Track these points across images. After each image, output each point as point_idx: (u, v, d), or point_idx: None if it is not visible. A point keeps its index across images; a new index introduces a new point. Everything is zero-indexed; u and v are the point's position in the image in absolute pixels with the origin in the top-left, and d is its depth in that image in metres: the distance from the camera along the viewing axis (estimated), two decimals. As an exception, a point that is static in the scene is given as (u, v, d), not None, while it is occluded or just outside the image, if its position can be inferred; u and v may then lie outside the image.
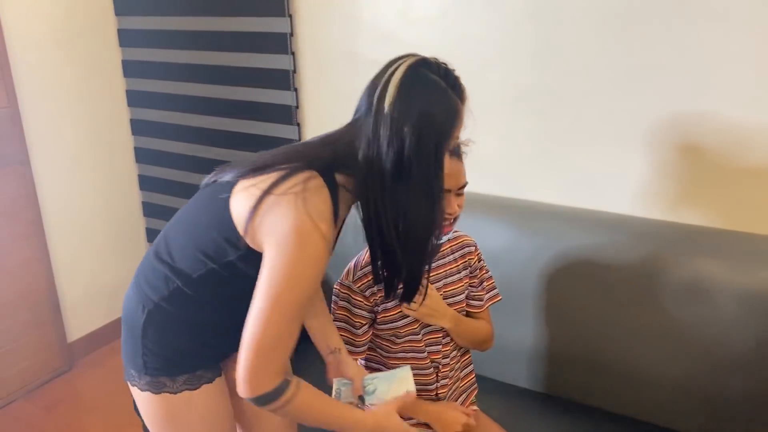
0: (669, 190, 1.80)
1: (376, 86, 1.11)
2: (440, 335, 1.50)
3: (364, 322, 1.46)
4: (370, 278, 1.44)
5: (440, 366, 1.51)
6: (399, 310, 1.46)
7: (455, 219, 1.39)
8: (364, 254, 1.48)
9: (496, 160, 1.99)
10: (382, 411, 1.28)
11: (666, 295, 1.63)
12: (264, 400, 1.10)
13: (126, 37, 2.77)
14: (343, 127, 1.18)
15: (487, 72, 1.97)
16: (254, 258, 1.11)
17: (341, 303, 1.47)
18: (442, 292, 1.48)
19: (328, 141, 1.18)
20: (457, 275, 1.52)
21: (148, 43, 2.71)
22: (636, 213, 1.84)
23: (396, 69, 1.10)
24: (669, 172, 1.79)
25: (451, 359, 1.53)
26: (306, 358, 1.61)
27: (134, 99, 2.86)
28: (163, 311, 1.21)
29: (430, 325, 1.49)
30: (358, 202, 1.16)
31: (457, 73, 1.15)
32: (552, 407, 1.77)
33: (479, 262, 1.55)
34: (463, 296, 1.53)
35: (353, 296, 1.45)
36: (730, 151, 1.70)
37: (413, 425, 1.51)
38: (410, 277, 1.22)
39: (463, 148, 1.43)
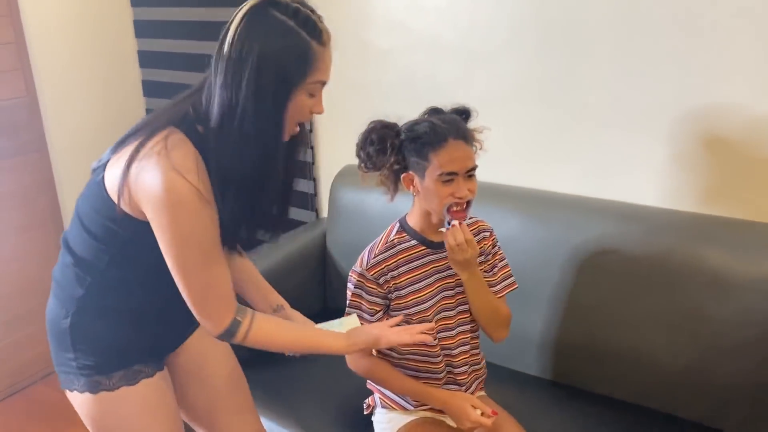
0: (678, 179, 1.80)
1: (223, 29, 1.08)
2: (453, 322, 1.52)
3: (378, 309, 1.48)
4: (383, 266, 1.46)
5: (452, 353, 1.52)
6: (413, 296, 1.47)
7: (468, 204, 1.39)
8: (378, 242, 1.50)
9: (505, 149, 2.00)
10: (360, 332, 1.32)
11: (674, 284, 1.63)
12: (226, 336, 1.18)
13: (141, 28, 2.81)
14: (201, 79, 1.15)
15: (496, 60, 1.98)
16: (142, 227, 1.11)
17: (355, 290, 1.48)
18: (454, 281, 1.49)
19: (187, 95, 1.17)
20: None
21: (163, 33, 2.74)
22: (645, 202, 1.85)
23: (239, 11, 1.07)
24: (678, 161, 1.79)
25: (466, 345, 1.54)
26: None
27: (149, 89, 2.90)
28: (85, 310, 1.21)
29: (443, 312, 1.50)
30: None
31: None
32: (560, 394, 1.79)
33: (493, 247, 1.55)
34: None
35: (366, 283, 1.46)
36: (741, 141, 1.69)
37: (426, 410, 1.54)
38: (263, 219, 1.20)
39: (477, 135, 1.44)
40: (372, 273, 1.46)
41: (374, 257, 1.47)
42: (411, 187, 1.43)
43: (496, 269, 1.55)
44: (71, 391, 1.25)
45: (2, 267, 2.48)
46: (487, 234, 1.54)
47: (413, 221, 1.49)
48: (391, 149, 1.40)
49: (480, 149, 1.45)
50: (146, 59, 2.85)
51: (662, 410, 1.69)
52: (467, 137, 1.38)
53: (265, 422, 1.70)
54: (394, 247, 1.47)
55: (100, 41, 2.72)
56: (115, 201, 1.12)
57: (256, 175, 1.11)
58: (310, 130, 2.40)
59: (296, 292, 1.64)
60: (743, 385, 1.57)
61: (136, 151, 1.09)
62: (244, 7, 1.07)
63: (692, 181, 1.79)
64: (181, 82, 2.76)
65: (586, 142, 1.90)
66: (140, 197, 1.09)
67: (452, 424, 1.50)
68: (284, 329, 1.27)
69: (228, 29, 1.07)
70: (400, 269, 1.46)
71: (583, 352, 1.77)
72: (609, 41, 1.78)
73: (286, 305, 1.44)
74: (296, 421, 1.70)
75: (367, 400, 1.65)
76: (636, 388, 1.72)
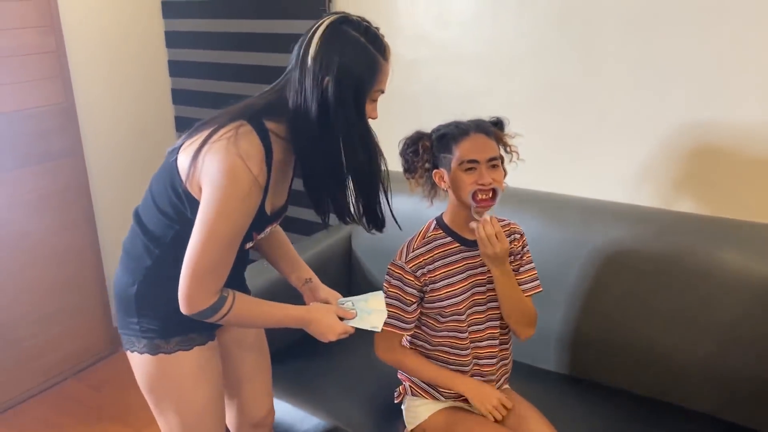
0: (692, 183, 1.89)
1: (303, 42, 1.24)
2: (483, 317, 1.60)
3: (414, 300, 1.56)
4: (420, 260, 1.55)
5: (480, 346, 1.60)
6: (446, 290, 1.55)
7: (494, 193, 1.47)
8: (416, 237, 1.59)
9: (527, 155, 2.07)
10: (319, 307, 1.42)
11: (688, 283, 1.72)
12: (201, 315, 1.25)
13: (172, 39, 2.92)
14: (278, 80, 1.30)
15: (517, 71, 2.08)
16: None
17: (394, 282, 1.57)
18: (485, 277, 1.57)
19: (263, 93, 1.32)
20: None
21: (192, 43, 2.85)
22: (658, 204, 1.94)
23: (319, 26, 1.23)
24: (692, 166, 1.88)
25: (495, 340, 1.61)
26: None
27: (178, 97, 3.01)
28: (151, 279, 1.34)
29: (474, 307, 1.58)
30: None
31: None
32: (579, 388, 1.87)
33: (523, 248, 1.63)
34: None
35: (405, 275, 1.55)
36: (755, 147, 1.78)
37: (455, 400, 1.62)
38: (366, 210, 1.35)
39: (508, 140, 1.55)
40: (410, 266, 1.55)
41: (413, 250, 1.56)
42: (442, 183, 1.53)
43: (523, 269, 1.63)
44: (132, 352, 1.39)
45: (38, 266, 2.58)
46: (518, 236, 1.62)
47: (448, 219, 1.58)
48: (423, 150, 1.53)
49: (515, 159, 1.55)
50: (176, 68, 2.97)
51: (676, 403, 1.77)
52: (489, 132, 1.49)
53: (296, 411, 1.80)
54: (431, 242, 1.57)
55: (133, 51, 2.83)
56: (183, 179, 1.24)
57: (368, 166, 1.28)
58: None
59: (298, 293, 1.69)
60: (756, 378, 1.65)
61: (209, 136, 1.22)
62: (323, 24, 1.23)
63: (705, 186, 1.88)
64: (208, 90, 2.87)
65: (603, 149, 2.00)
66: (203, 173, 1.21)
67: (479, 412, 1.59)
68: (259, 306, 1.35)
69: (309, 43, 1.22)
70: (436, 263, 1.55)
71: (601, 348, 1.85)
72: (626, 53, 1.88)
73: (314, 277, 1.55)
74: (327, 410, 1.78)
75: (398, 389, 1.73)
76: (651, 382, 1.80)
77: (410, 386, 1.67)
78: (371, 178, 1.31)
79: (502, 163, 1.55)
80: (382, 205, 1.36)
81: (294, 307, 1.39)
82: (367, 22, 1.26)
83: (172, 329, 1.36)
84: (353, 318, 1.43)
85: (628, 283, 1.80)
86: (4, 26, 2.34)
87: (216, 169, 1.18)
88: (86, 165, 2.69)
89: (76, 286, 2.73)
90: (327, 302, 1.49)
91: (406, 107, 2.31)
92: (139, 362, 1.38)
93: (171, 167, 1.28)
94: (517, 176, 2.06)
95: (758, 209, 1.82)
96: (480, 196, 1.46)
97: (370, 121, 1.29)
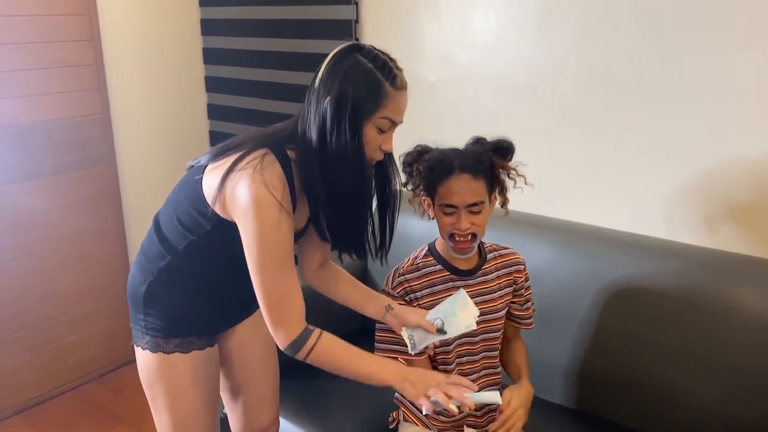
0: (709, 216, 1.81)
1: (317, 68, 1.27)
2: (496, 342, 1.57)
3: None
4: (406, 286, 1.53)
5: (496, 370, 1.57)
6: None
7: (473, 237, 1.44)
8: (405, 263, 1.57)
9: (542, 181, 2.03)
10: (419, 369, 1.36)
11: (701, 320, 1.64)
12: (293, 348, 1.28)
13: (209, 55, 3.01)
14: (299, 110, 1.32)
15: (536, 95, 2.05)
16: (225, 226, 1.29)
17: None
18: (480, 308, 1.50)
19: (288, 120, 1.34)
20: (498, 293, 1.55)
21: (230, 61, 2.92)
22: (675, 238, 1.86)
23: (332, 54, 1.26)
24: (713, 200, 1.80)
25: (489, 369, 1.59)
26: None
27: (214, 112, 3.08)
28: (159, 282, 1.39)
29: (467, 346, 1.55)
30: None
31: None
32: (582, 423, 1.80)
33: (526, 281, 1.59)
34: (501, 313, 1.56)
35: (396, 301, 1.52)
36: (776, 182, 1.71)
37: (446, 426, 1.58)
38: (349, 242, 1.36)
39: (518, 169, 1.49)
40: (398, 291, 1.53)
41: (399, 276, 1.54)
42: (430, 210, 1.50)
43: (528, 304, 1.60)
44: (137, 346, 1.45)
45: (68, 270, 2.67)
46: (522, 267, 1.59)
47: (440, 246, 1.55)
48: (416, 173, 1.49)
49: (517, 185, 1.49)
50: (212, 84, 3.05)
51: (686, 447, 1.68)
52: (477, 171, 1.41)
53: (295, 430, 1.79)
54: (419, 270, 1.54)
55: (171, 67, 2.93)
56: (210, 203, 1.29)
57: (349, 187, 1.27)
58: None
59: (336, 310, 1.66)
60: (764, 426, 1.56)
61: (235, 163, 1.25)
62: (334, 50, 1.26)
63: (727, 220, 1.80)
64: (243, 106, 2.93)
65: (621, 178, 1.94)
66: (233, 205, 1.25)
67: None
68: (349, 351, 1.32)
69: (319, 68, 1.26)
70: (424, 291, 1.52)
71: (609, 383, 1.78)
72: (646, 81, 1.83)
73: (393, 302, 1.50)
74: (324, 430, 1.77)
75: (392, 414, 1.70)
76: (659, 423, 1.71)
77: (403, 411, 1.64)
78: (355, 207, 1.32)
79: (503, 190, 1.51)
80: (370, 234, 1.37)
81: (385, 368, 1.33)
82: (380, 51, 1.27)
83: (174, 331, 1.41)
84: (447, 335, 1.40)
85: (639, 318, 1.73)
86: (48, 39, 2.45)
87: (245, 199, 1.22)
88: (118, 174, 2.77)
89: (104, 291, 2.81)
90: (418, 324, 1.44)
91: (425, 127, 2.28)
92: (141, 357, 1.44)
93: (195, 185, 1.33)
94: (533, 203, 2.04)
95: (783, 247, 1.73)
96: (457, 239, 1.44)
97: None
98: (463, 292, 1.43)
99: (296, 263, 1.36)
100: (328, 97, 1.22)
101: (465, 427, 1.57)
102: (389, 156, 1.37)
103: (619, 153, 1.93)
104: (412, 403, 1.60)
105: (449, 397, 1.26)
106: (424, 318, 1.44)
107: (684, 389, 1.66)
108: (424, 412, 1.32)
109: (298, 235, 1.42)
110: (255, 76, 2.84)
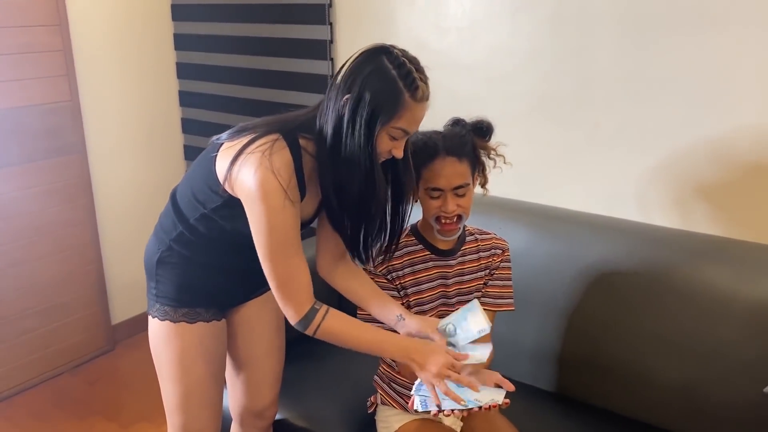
0: (685, 199, 1.84)
1: (343, 64, 1.28)
2: None
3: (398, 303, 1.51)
4: (387, 264, 1.53)
5: None
6: (414, 297, 1.53)
7: (459, 218, 1.46)
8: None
9: (518, 165, 2.03)
10: (428, 342, 1.37)
11: (676, 302, 1.67)
12: (303, 324, 1.33)
13: (181, 42, 2.96)
14: (318, 101, 1.34)
15: (512, 80, 2.06)
16: (235, 203, 1.32)
17: None
18: (454, 289, 1.55)
19: (303, 109, 1.37)
20: (474, 275, 1.57)
21: (201, 46, 2.88)
22: (652, 221, 1.89)
23: (359, 51, 1.27)
24: (685, 182, 1.83)
25: None
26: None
27: (186, 99, 3.04)
28: (172, 251, 1.45)
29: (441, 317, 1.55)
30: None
31: (428, 74, 1.27)
32: (560, 407, 1.82)
33: (502, 263, 1.59)
34: (474, 295, 1.57)
35: (377, 279, 1.54)
36: (749, 164, 1.74)
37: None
38: (355, 240, 1.39)
39: (498, 149, 1.51)
40: (380, 269, 1.54)
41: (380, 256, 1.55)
42: (415, 195, 1.50)
43: (491, 283, 1.59)
44: (149, 315, 1.51)
45: (40, 260, 2.62)
46: (499, 252, 1.59)
47: (423, 227, 1.57)
48: None
49: (497, 165, 1.51)
50: (184, 71, 3.00)
51: (662, 427, 1.71)
52: (461, 154, 1.43)
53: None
54: (401, 249, 1.55)
55: (141, 52, 2.87)
56: (221, 182, 1.33)
57: (359, 192, 1.29)
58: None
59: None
60: (743, 405, 1.59)
61: (246, 146, 1.28)
62: (363, 49, 1.27)
63: (698, 202, 1.83)
64: (215, 93, 2.89)
65: (595, 162, 1.96)
66: (239, 183, 1.28)
67: (448, 424, 1.56)
68: (354, 327, 1.38)
69: (345, 63, 1.27)
70: (405, 270, 1.54)
71: (587, 366, 1.80)
72: (619, 66, 1.85)
73: (405, 312, 1.47)
74: (304, 414, 1.77)
75: (370, 399, 1.71)
76: (637, 404, 1.74)
77: (381, 395, 1.65)
78: (362, 209, 1.34)
79: (484, 171, 1.52)
80: (371, 237, 1.41)
81: (393, 344, 1.37)
82: (409, 58, 1.25)
83: (182, 300, 1.46)
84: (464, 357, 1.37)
85: (618, 300, 1.75)
86: (13, 24, 2.39)
87: (250, 183, 1.25)
88: (89, 162, 2.73)
89: (77, 282, 2.77)
90: (426, 336, 1.41)
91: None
92: (151, 325, 1.50)
93: (209, 163, 1.36)
94: (509, 187, 2.05)
95: (755, 228, 1.76)
96: (443, 221, 1.45)
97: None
98: (475, 301, 1.45)
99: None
100: (347, 96, 1.23)
101: (441, 414, 1.58)
102: (404, 161, 1.36)
103: (592, 138, 1.95)
104: (391, 385, 1.61)
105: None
106: (434, 327, 1.43)
107: (657, 370, 1.69)
108: (418, 408, 1.34)
109: (306, 224, 1.44)
110: (227, 61, 2.80)
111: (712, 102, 1.74)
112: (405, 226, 1.48)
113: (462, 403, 1.30)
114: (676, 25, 1.74)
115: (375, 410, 1.69)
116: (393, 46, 1.26)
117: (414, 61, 1.26)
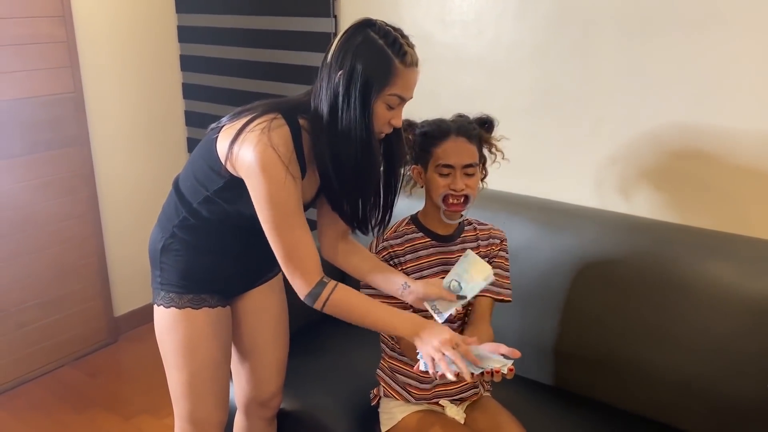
0: (688, 195, 1.84)
1: (330, 43, 1.30)
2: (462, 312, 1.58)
3: None
4: (390, 251, 1.55)
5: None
6: (438, 277, 1.52)
7: (466, 199, 1.48)
8: (388, 231, 1.59)
9: (521, 160, 2.06)
10: (423, 324, 1.35)
11: (680, 297, 1.67)
12: (311, 297, 1.33)
13: (185, 34, 2.95)
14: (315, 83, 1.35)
15: (516, 75, 2.05)
16: (237, 184, 1.33)
17: None
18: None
19: (300, 94, 1.39)
20: None
21: (205, 39, 2.88)
22: (656, 216, 1.89)
23: (345, 30, 1.29)
24: (689, 178, 1.83)
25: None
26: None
27: (189, 91, 3.04)
28: (176, 237, 1.45)
29: None
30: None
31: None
32: (561, 400, 1.82)
33: (500, 251, 1.61)
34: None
35: None
36: (752, 160, 1.73)
37: (421, 399, 1.59)
38: (354, 213, 1.39)
39: (497, 144, 1.54)
40: (383, 255, 1.55)
41: (383, 241, 1.57)
42: (419, 179, 1.53)
43: (505, 273, 1.61)
44: (154, 304, 1.51)
45: (41, 252, 2.62)
46: (497, 241, 1.61)
47: (423, 216, 1.58)
48: (407, 143, 1.51)
49: (497, 159, 1.54)
50: (187, 63, 3.00)
51: (663, 421, 1.71)
52: (471, 137, 1.47)
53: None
54: (402, 236, 1.57)
55: (145, 44, 2.87)
56: (222, 161, 1.34)
57: (356, 163, 1.31)
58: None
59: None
60: (744, 400, 1.59)
61: (245, 125, 1.30)
62: (347, 27, 1.29)
63: (704, 198, 1.82)
64: (219, 86, 2.89)
65: (598, 156, 1.96)
66: (239, 161, 1.29)
67: (451, 415, 1.56)
68: (363, 301, 1.37)
69: (332, 42, 1.29)
70: (407, 256, 1.56)
71: (587, 361, 1.80)
72: (624, 60, 1.84)
73: (409, 279, 1.49)
74: (307, 405, 1.77)
75: (373, 391, 1.71)
76: (638, 399, 1.74)
77: (384, 388, 1.65)
78: (360, 182, 1.35)
79: (485, 164, 1.55)
80: (369, 209, 1.41)
81: (400, 319, 1.35)
82: (392, 27, 1.29)
83: (186, 287, 1.47)
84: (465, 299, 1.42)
85: (619, 294, 1.75)
86: (17, 14, 2.39)
87: (250, 159, 1.26)
88: (92, 154, 2.72)
89: (80, 274, 2.77)
90: (437, 296, 1.43)
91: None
92: (156, 314, 1.50)
93: (210, 144, 1.37)
94: (512, 181, 2.05)
95: (757, 223, 1.76)
96: (451, 201, 1.47)
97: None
98: (470, 252, 1.46)
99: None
100: (340, 72, 1.25)
101: (441, 400, 1.59)
102: (397, 134, 1.39)
103: (595, 132, 1.94)
104: (392, 375, 1.61)
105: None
106: (440, 287, 1.45)
107: (657, 364, 1.69)
108: (421, 368, 1.32)
109: (306, 206, 1.44)
110: (231, 54, 2.80)
111: (714, 96, 1.73)
112: (396, 199, 1.47)
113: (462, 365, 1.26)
114: (677, 25, 1.73)
115: (378, 402, 1.69)
116: (375, 19, 1.29)
117: (398, 30, 1.29)
